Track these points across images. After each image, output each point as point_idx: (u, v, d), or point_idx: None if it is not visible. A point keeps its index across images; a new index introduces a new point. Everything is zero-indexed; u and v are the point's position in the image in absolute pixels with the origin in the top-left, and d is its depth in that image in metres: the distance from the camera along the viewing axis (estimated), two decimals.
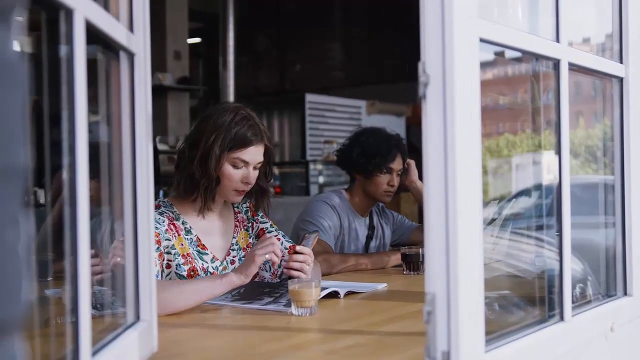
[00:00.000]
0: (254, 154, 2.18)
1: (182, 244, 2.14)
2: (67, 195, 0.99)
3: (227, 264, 2.25)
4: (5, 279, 0.51)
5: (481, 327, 1.19)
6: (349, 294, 2.13)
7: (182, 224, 2.18)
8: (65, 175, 1.00)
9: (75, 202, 0.99)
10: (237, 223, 2.34)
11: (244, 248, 2.32)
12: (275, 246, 1.98)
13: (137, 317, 1.35)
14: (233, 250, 2.29)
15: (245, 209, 2.39)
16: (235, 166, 2.17)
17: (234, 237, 2.31)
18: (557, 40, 1.48)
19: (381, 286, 2.30)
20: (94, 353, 1.07)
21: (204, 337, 1.67)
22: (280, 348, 1.54)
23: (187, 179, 2.17)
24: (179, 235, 2.15)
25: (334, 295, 2.06)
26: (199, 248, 2.19)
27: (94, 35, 1.10)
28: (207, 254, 2.20)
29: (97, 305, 1.33)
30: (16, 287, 0.52)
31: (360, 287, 2.22)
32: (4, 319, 0.51)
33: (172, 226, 2.14)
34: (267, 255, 1.95)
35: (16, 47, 0.52)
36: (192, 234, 2.19)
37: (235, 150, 2.15)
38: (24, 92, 0.53)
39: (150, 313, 1.37)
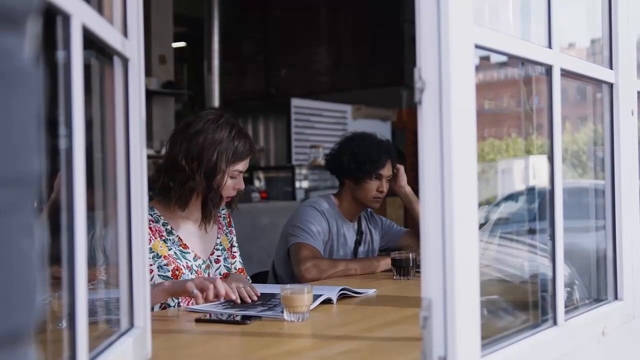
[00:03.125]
0: (247, 163, 2.29)
1: (161, 246, 2.19)
2: (65, 201, 0.98)
3: (210, 262, 2.32)
4: (21, 287, 0.50)
5: (477, 332, 1.19)
6: (342, 297, 2.14)
7: (163, 225, 2.23)
8: (62, 180, 0.99)
9: (72, 208, 0.98)
10: (220, 225, 2.42)
11: (227, 249, 2.40)
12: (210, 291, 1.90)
13: (131, 324, 1.34)
14: (217, 249, 2.37)
15: (223, 216, 2.46)
16: (232, 177, 2.25)
17: (218, 238, 2.38)
18: (549, 46, 1.49)
19: (371, 292, 2.30)
20: None
21: (197, 344, 1.66)
22: (274, 354, 1.53)
23: (187, 193, 2.21)
24: (156, 238, 2.19)
25: (326, 301, 2.06)
26: (180, 248, 2.24)
27: (89, 41, 1.09)
28: (189, 252, 2.25)
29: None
30: (31, 294, 0.52)
31: (351, 290, 2.22)
32: (20, 327, 0.50)
33: (149, 229, 2.16)
34: (195, 291, 1.88)
35: (30, 54, 0.52)
36: (173, 234, 2.24)
37: (236, 163, 2.24)
38: (38, 100, 0.52)
39: (145, 320, 1.36)
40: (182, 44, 10.66)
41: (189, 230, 2.28)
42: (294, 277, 2.75)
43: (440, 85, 1.14)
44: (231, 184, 2.25)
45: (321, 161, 7.18)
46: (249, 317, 1.83)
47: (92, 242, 1.40)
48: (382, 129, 7.48)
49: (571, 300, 1.72)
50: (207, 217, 2.26)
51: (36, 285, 0.53)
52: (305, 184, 7.42)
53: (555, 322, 1.48)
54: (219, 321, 1.83)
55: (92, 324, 1.33)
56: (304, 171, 7.47)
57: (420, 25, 1.16)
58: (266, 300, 2.09)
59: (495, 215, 2.19)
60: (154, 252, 2.15)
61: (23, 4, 0.52)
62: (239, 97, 10.36)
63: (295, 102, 8.01)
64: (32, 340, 0.53)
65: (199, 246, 2.29)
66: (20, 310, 0.51)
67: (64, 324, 1.07)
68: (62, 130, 0.98)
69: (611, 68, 1.78)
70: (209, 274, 2.29)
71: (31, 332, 0.52)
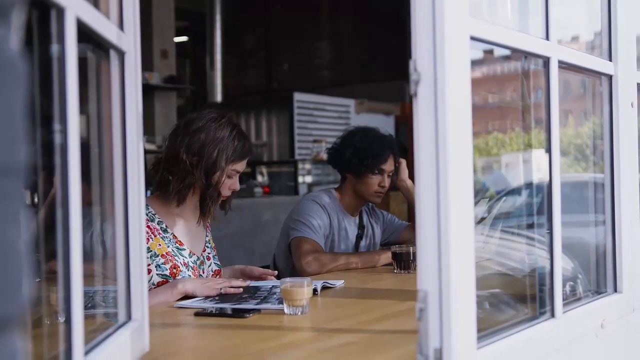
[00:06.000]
0: (245, 164, 2.32)
1: (159, 244, 2.21)
2: (59, 197, 0.98)
3: (203, 258, 2.36)
4: (6, 276, 0.50)
5: (473, 324, 1.19)
6: (324, 288, 2.18)
7: (158, 224, 2.25)
8: (56, 175, 0.99)
9: (67, 203, 0.98)
10: (208, 224, 2.44)
11: (214, 247, 2.44)
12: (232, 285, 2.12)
13: (129, 317, 1.34)
14: (208, 247, 2.40)
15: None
16: (229, 176, 2.27)
17: (207, 236, 2.42)
18: (547, 38, 1.48)
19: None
20: (86, 352, 1.07)
21: (195, 337, 1.67)
22: (272, 347, 1.54)
23: (186, 188, 2.23)
24: (155, 236, 2.21)
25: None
26: (177, 245, 2.26)
27: (84, 34, 1.09)
28: (185, 249, 2.28)
29: (87, 304, 1.33)
30: (17, 284, 0.52)
31: (327, 282, 2.26)
32: (5, 316, 0.51)
33: (147, 228, 2.18)
34: (222, 290, 2.09)
35: (16, 45, 0.52)
36: (168, 232, 2.26)
37: (235, 162, 2.25)
38: (24, 91, 0.53)
39: (142, 313, 1.36)
40: (184, 38, 10.66)
41: (182, 227, 2.31)
42: (295, 271, 2.76)
43: (435, 78, 1.14)
44: (227, 183, 2.26)
45: (324, 156, 7.18)
46: (248, 311, 1.84)
47: (92, 238, 1.41)
48: (385, 124, 7.48)
49: (574, 293, 1.72)
50: (205, 213, 2.28)
51: (22, 274, 0.53)
52: (308, 179, 7.42)
53: (552, 315, 1.48)
54: (218, 314, 1.84)
55: (90, 316, 1.33)
56: (307, 166, 7.47)
57: (415, 17, 1.15)
58: (253, 293, 2.09)
59: (497, 209, 2.18)
60: (152, 251, 2.17)
61: None
62: (241, 91, 10.37)
63: (298, 96, 8.00)
64: (19, 329, 0.53)
65: (192, 243, 2.32)
66: (5, 298, 0.51)
67: (62, 317, 1.08)
68: (56, 125, 0.98)
69: (610, 60, 1.77)
70: (203, 270, 2.31)
71: (18, 320, 0.53)
